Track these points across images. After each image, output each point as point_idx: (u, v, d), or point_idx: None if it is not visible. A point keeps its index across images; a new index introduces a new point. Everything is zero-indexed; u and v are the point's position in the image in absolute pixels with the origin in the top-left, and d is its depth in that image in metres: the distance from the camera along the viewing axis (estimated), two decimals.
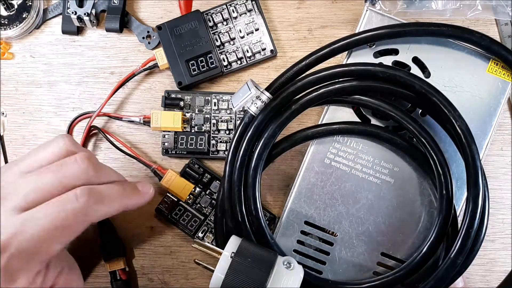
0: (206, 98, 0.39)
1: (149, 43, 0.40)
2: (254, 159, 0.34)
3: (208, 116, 0.39)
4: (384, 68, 0.33)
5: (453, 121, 0.32)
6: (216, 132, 0.39)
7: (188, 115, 0.39)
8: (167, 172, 0.37)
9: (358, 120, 0.36)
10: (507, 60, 0.35)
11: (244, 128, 0.34)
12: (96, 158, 0.30)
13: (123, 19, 0.40)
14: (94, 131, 0.39)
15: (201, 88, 0.40)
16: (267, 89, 0.34)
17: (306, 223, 0.35)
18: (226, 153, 0.38)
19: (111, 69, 0.40)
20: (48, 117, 0.40)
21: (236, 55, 0.39)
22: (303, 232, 0.35)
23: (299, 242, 0.35)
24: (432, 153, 0.33)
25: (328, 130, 0.35)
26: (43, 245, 0.26)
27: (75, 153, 0.29)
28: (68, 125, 0.39)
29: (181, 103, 0.39)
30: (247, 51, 0.39)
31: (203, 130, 0.39)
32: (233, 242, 0.30)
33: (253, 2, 0.39)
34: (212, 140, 0.39)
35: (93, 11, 0.39)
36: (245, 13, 0.40)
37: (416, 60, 0.36)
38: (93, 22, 0.39)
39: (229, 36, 0.39)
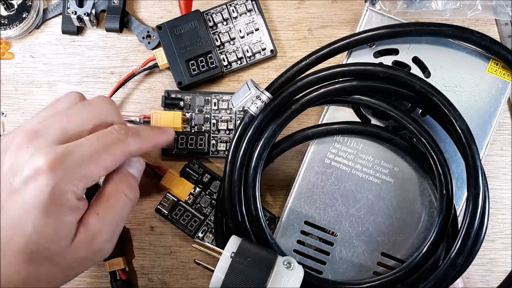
0: (206, 98, 0.39)
1: (149, 43, 0.40)
2: (254, 159, 0.34)
3: (208, 116, 0.39)
4: (384, 68, 0.33)
5: (453, 121, 0.32)
6: (216, 132, 0.39)
7: (188, 115, 0.39)
8: (167, 172, 0.37)
9: (358, 120, 0.36)
10: (507, 60, 0.35)
11: (244, 128, 0.34)
12: None
13: (123, 19, 0.40)
14: None
15: (201, 88, 0.40)
16: (267, 89, 0.34)
17: (306, 223, 0.35)
18: (226, 153, 0.38)
19: (111, 69, 0.40)
20: None
21: (236, 55, 0.39)
22: (303, 232, 0.35)
23: (299, 242, 0.35)
24: (432, 153, 0.33)
25: (328, 130, 0.35)
26: (91, 166, 0.27)
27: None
28: None
29: (181, 103, 0.39)
30: (247, 51, 0.39)
31: (203, 130, 0.39)
32: (233, 242, 0.30)
33: (253, 2, 0.39)
34: (212, 140, 0.39)
35: (93, 11, 0.39)
36: (245, 13, 0.40)
37: (416, 60, 0.36)
38: (93, 22, 0.39)
39: (229, 36, 0.39)
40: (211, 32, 0.39)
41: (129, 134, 0.29)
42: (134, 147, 0.30)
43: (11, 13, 0.40)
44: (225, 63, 0.39)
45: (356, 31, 0.35)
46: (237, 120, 0.39)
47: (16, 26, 0.39)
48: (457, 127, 0.32)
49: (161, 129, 0.34)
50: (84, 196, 0.28)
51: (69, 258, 0.27)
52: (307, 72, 0.34)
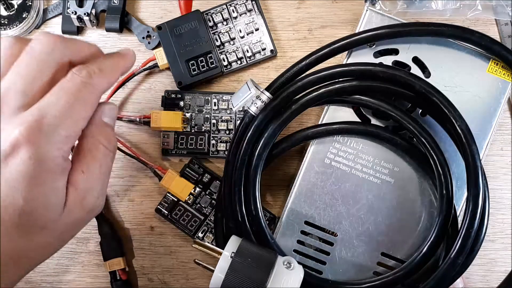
0: (206, 98, 0.39)
1: (149, 43, 0.40)
2: (254, 159, 0.34)
3: (208, 116, 0.39)
4: (384, 68, 0.33)
5: (453, 121, 0.32)
6: (216, 132, 0.39)
7: (188, 115, 0.39)
8: (167, 172, 0.37)
9: (358, 120, 0.36)
10: (507, 60, 0.35)
11: (244, 128, 0.34)
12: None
13: (123, 19, 0.40)
14: None
15: (201, 88, 0.40)
16: (267, 89, 0.34)
17: (306, 223, 0.35)
18: (226, 153, 0.38)
19: None
20: None
21: (236, 55, 0.39)
22: (303, 232, 0.35)
23: (299, 242, 0.35)
24: (432, 153, 0.33)
25: (328, 130, 0.35)
26: (69, 122, 0.25)
27: (29, 40, 0.27)
28: None
29: (181, 103, 0.39)
30: (247, 51, 0.39)
31: (203, 130, 0.39)
32: (233, 242, 0.30)
33: (253, 2, 0.39)
34: (212, 140, 0.39)
35: (93, 11, 0.39)
36: (245, 13, 0.40)
37: (416, 60, 0.36)
38: (93, 22, 0.39)
39: (229, 36, 0.39)
40: (211, 32, 0.39)
41: (92, 73, 0.27)
42: (102, 85, 0.27)
43: (11, 13, 0.40)
44: (225, 63, 0.39)
45: (356, 31, 0.35)
46: (237, 120, 0.39)
47: (16, 26, 0.39)
48: (457, 127, 0.32)
49: (120, 54, 0.30)
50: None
51: (63, 223, 0.27)
52: (307, 72, 0.34)
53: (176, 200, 0.38)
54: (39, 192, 0.25)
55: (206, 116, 0.39)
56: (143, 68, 0.39)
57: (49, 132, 0.24)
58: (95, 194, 0.28)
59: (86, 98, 0.26)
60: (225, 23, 0.39)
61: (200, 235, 0.38)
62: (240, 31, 0.39)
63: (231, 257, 0.29)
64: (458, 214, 0.34)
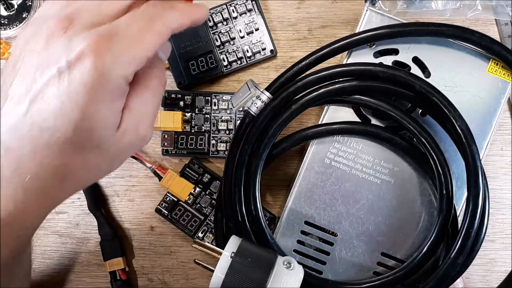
0: (206, 98, 0.39)
1: None
2: (254, 159, 0.34)
3: (208, 116, 0.39)
4: (384, 68, 0.33)
5: (453, 121, 0.32)
6: (216, 132, 0.39)
7: (188, 115, 0.39)
8: (167, 172, 0.37)
9: (358, 120, 0.36)
10: (507, 60, 0.35)
11: (244, 128, 0.34)
12: None
13: None
14: None
15: (201, 88, 0.40)
16: (267, 89, 0.34)
17: (306, 223, 0.35)
18: (226, 153, 0.38)
19: None
20: None
21: (236, 55, 0.39)
22: (303, 232, 0.35)
23: (299, 242, 0.35)
24: (432, 153, 0.33)
25: (328, 130, 0.35)
26: (137, 45, 0.25)
27: None
28: None
29: (181, 103, 0.39)
30: (247, 51, 0.39)
31: (203, 130, 0.39)
32: (233, 242, 0.30)
33: (253, 2, 0.39)
34: (212, 140, 0.39)
35: None
36: (245, 13, 0.40)
37: (416, 60, 0.36)
38: None
39: (229, 36, 0.39)
40: (211, 32, 0.39)
41: (167, 8, 0.27)
42: (174, 22, 0.27)
43: (11, 13, 0.40)
44: (225, 63, 0.39)
45: (356, 31, 0.35)
46: (237, 120, 0.39)
47: (16, 26, 0.39)
48: (457, 127, 0.32)
49: (194, 4, 0.30)
50: None
51: (116, 145, 0.26)
52: (307, 72, 0.34)
53: (176, 200, 0.38)
54: (98, 109, 0.24)
55: (206, 116, 0.39)
56: None
57: (117, 51, 0.24)
58: (148, 121, 0.27)
59: (157, 29, 0.26)
60: (225, 23, 0.39)
61: (200, 235, 0.38)
62: (240, 31, 0.39)
63: (231, 257, 0.29)
64: (458, 214, 0.34)
